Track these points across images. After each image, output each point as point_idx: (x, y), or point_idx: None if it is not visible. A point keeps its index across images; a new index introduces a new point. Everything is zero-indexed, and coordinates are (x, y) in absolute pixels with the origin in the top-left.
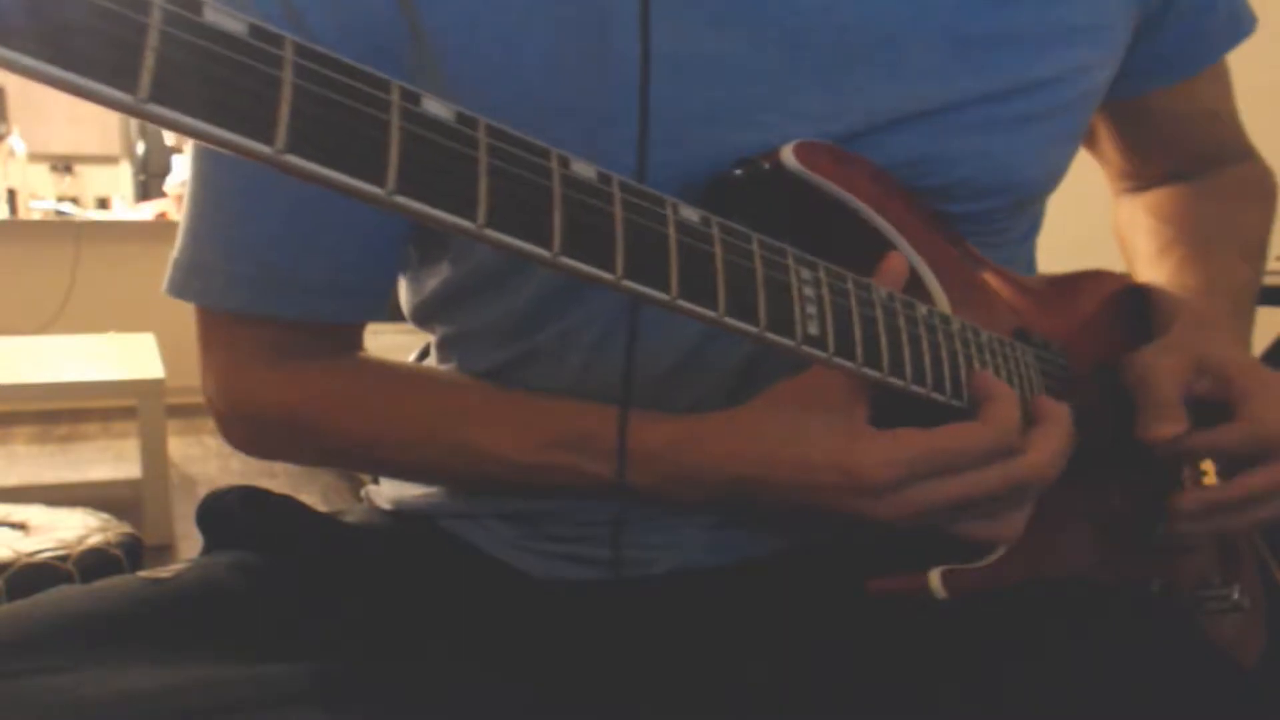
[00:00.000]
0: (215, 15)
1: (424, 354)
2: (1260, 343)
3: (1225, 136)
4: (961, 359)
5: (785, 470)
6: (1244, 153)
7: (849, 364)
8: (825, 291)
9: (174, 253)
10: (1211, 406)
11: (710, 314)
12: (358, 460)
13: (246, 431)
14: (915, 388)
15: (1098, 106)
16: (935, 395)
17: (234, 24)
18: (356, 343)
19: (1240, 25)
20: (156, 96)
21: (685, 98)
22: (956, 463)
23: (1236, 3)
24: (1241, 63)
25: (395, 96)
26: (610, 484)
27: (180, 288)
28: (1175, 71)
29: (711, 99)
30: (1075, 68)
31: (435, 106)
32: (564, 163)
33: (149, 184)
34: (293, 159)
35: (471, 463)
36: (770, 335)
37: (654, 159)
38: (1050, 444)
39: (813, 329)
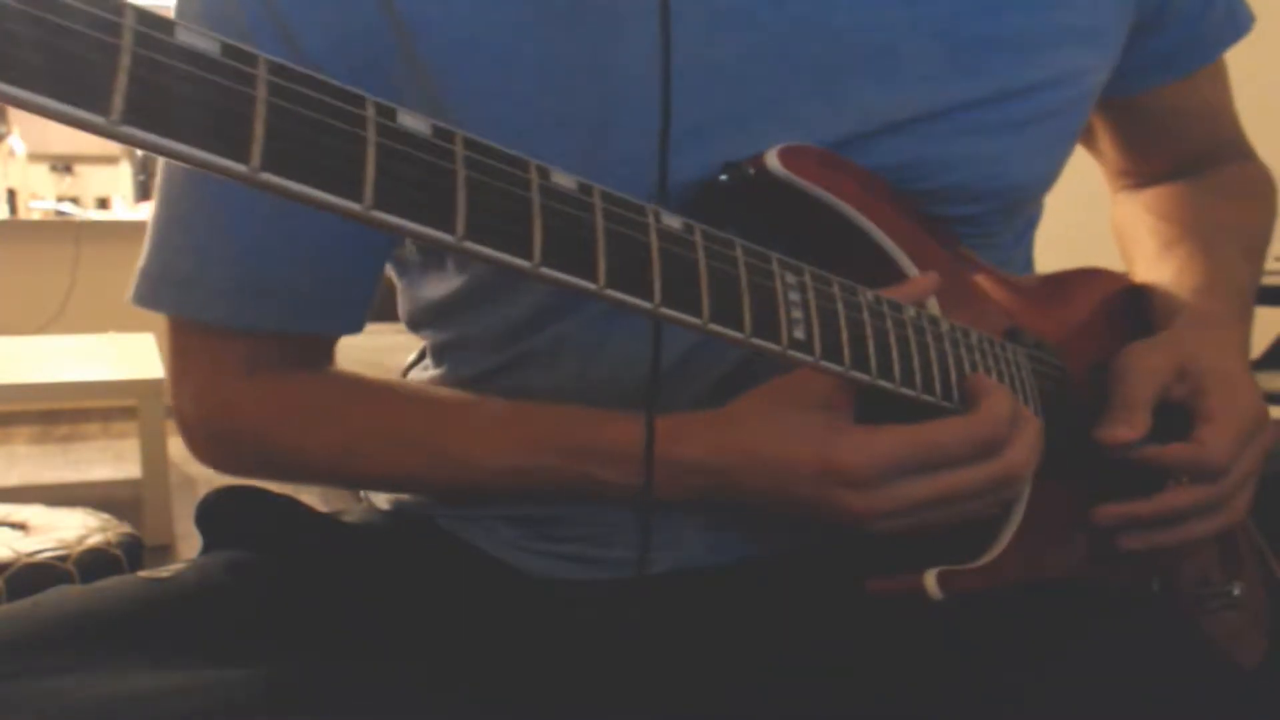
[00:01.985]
0: (187, 35)
1: (421, 356)
2: (1260, 343)
3: (1223, 135)
4: (951, 360)
5: (765, 465)
6: (1242, 152)
7: (836, 367)
8: (810, 296)
9: (141, 262)
10: (1180, 414)
11: (695, 321)
12: (336, 474)
13: (219, 446)
14: (905, 390)
15: (1094, 106)
16: (925, 397)
17: (206, 43)
18: (329, 356)
19: (1238, 24)
20: (129, 118)
21: (679, 107)
22: (940, 458)
23: (1234, 1)
24: (1241, 63)
25: (370, 112)
26: (595, 481)
27: (151, 298)
28: (1173, 70)
29: (705, 109)
30: (1070, 71)
31: (411, 121)
32: (543, 174)
33: (149, 184)
34: (268, 177)
35: (452, 471)
36: (756, 340)
37: (647, 170)
38: (1026, 439)
39: (799, 333)
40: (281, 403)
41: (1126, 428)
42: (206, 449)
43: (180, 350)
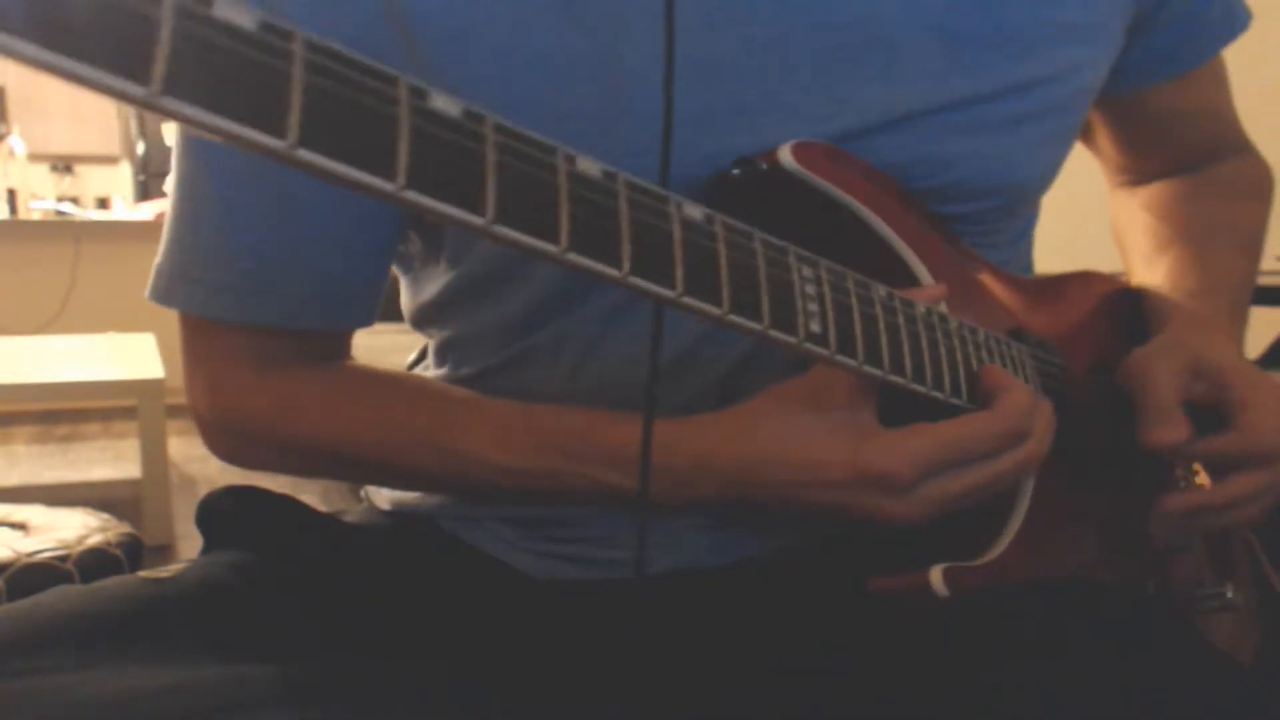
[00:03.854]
0: (225, 9)
1: (421, 356)
2: (1260, 342)
3: (1222, 132)
4: (960, 357)
5: (789, 470)
6: (1241, 147)
7: (851, 362)
8: (826, 289)
9: (157, 259)
10: (1205, 410)
11: (714, 311)
12: (345, 468)
13: (232, 441)
14: (915, 385)
15: (1092, 103)
16: (935, 393)
17: (244, 18)
18: (343, 350)
19: (1235, 22)
20: (169, 90)
21: (679, 101)
22: (970, 454)
23: (1232, 0)
24: (1241, 62)
25: (403, 92)
26: (599, 484)
27: (164, 294)
28: (1171, 67)
29: (705, 102)
30: (1068, 66)
31: (443, 103)
32: (570, 159)
33: (149, 184)
34: (305, 154)
35: (460, 468)
36: (773, 333)
37: (648, 162)
38: (1043, 425)
39: (815, 327)
40: (293, 395)
41: (1170, 429)
42: (221, 442)
43: (193, 345)
